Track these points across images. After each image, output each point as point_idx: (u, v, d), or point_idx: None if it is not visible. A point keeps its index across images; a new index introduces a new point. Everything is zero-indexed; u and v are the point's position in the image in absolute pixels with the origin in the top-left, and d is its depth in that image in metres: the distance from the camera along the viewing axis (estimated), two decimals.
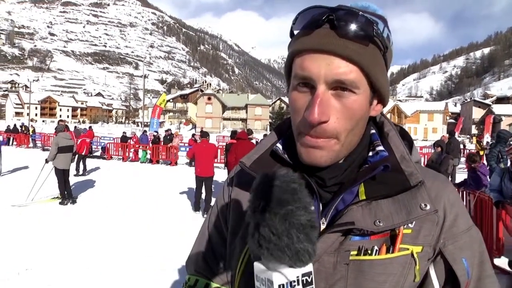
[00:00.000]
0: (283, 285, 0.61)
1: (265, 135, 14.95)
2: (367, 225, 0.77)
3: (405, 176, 0.80)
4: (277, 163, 0.91)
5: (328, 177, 0.83)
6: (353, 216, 0.78)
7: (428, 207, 0.78)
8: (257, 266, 0.66)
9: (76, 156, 12.92)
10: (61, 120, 11.66)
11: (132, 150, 22.56)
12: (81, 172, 15.16)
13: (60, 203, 9.69)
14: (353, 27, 0.73)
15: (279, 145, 0.93)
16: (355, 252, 0.78)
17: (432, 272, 0.81)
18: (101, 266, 5.68)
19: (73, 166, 12.68)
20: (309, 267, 0.64)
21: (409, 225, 0.79)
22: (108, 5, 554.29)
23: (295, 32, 0.81)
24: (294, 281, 0.62)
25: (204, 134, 10.04)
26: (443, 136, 14.44)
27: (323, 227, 0.82)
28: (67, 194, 9.87)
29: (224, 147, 17.98)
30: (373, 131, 0.92)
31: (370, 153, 0.87)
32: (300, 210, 0.62)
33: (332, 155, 0.80)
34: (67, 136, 10.26)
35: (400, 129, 0.95)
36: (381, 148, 0.86)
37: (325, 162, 0.80)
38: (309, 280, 0.64)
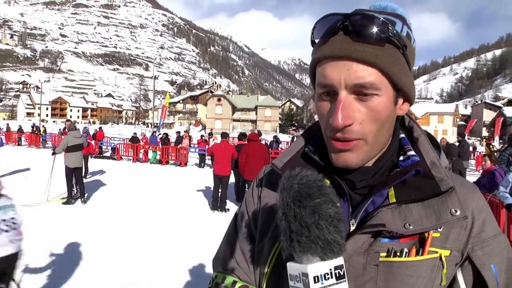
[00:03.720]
0: (317, 277, 0.63)
1: (275, 137, 15.05)
2: (397, 227, 0.79)
3: (436, 182, 0.81)
4: (308, 164, 0.93)
5: (358, 180, 0.85)
6: (383, 218, 0.80)
7: (458, 212, 0.79)
8: (290, 265, 0.68)
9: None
10: (68, 120, 11.68)
11: (142, 151, 22.69)
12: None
13: (65, 203, 9.72)
14: (367, 30, 0.75)
15: (310, 147, 0.95)
16: (385, 254, 0.79)
17: (460, 277, 0.82)
18: (112, 266, 5.72)
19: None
20: (340, 260, 0.66)
21: (438, 229, 0.80)
22: (119, 6, 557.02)
23: (316, 41, 0.83)
24: (328, 274, 0.64)
25: (224, 135, 10.35)
26: (443, 139, 14.31)
27: (353, 228, 0.84)
28: (80, 193, 9.95)
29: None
30: (403, 135, 0.93)
31: (401, 158, 0.88)
32: (327, 203, 0.65)
33: (363, 156, 0.82)
34: (76, 134, 10.31)
35: (427, 134, 0.96)
36: (412, 153, 0.87)
37: (356, 164, 0.82)
38: (342, 273, 0.65)
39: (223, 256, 1.03)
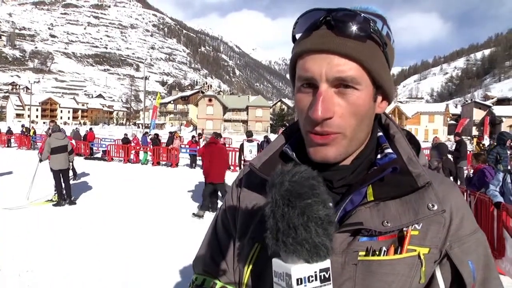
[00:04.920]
0: (301, 279, 0.62)
1: (265, 137, 14.80)
2: (375, 225, 0.79)
3: (413, 177, 0.81)
4: (286, 164, 0.83)
5: (336, 179, 0.85)
6: (361, 217, 0.80)
7: (436, 207, 0.79)
8: (276, 262, 0.67)
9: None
10: (52, 121, 11.56)
11: (133, 151, 22.61)
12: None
13: (55, 204, 9.63)
14: (349, 25, 0.75)
15: (288, 146, 0.95)
16: (363, 253, 0.79)
17: (438, 274, 0.82)
18: (103, 267, 5.69)
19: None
20: (327, 263, 0.64)
21: (417, 226, 0.80)
22: (109, 7, 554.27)
23: (297, 36, 0.84)
24: (312, 276, 0.63)
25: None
26: (436, 137, 14.39)
27: None
28: (66, 195, 9.87)
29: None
30: (380, 133, 0.94)
31: (379, 156, 0.89)
32: (318, 205, 0.63)
33: (341, 151, 0.82)
34: (59, 136, 10.19)
35: (407, 133, 0.97)
36: (389, 150, 0.88)
37: (335, 159, 0.82)
38: (327, 276, 0.64)
39: (203, 258, 1.03)
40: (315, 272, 0.63)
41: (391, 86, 0.86)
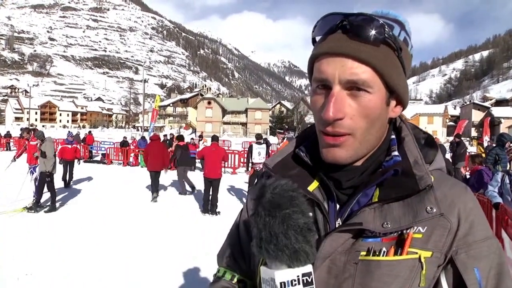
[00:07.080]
0: (284, 283, 0.67)
1: (264, 139, 14.64)
2: (375, 226, 0.80)
3: (416, 180, 0.82)
4: (298, 165, 0.96)
5: (345, 180, 0.88)
6: (364, 218, 0.82)
7: (434, 210, 0.79)
8: (263, 269, 0.73)
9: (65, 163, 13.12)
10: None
11: (132, 154, 22.63)
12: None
13: (29, 210, 9.23)
14: (364, 30, 0.78)
15: (302, 148, 0.97)
16: (365, 253, 0.81)
17: (443, 280, 0.81)
18: (103, 268, 5.69)
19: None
20: (309, 268, 0.69)
21: (420, 229, 0.80)
22: (108, 10, 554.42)
23: (316, 38, 0.87)
24: (295, 280, 0.67)
25: (214, 138, 10.28)
26: (436, 138, 14.43)
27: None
28: (52, 199, 9.65)
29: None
30: (393, 136, 0.95)
31: (386, 158, 0.90)
32: (297, 214, 0.69)
33: (351, 153, 0.84)
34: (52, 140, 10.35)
35: (428, 136, 0.98)
36: (395, 153, 0.89)
37: (345, 160, 0.85)
38: (309, 280, 0.68)
39: (224, 254, 1.09)
40: (298, 276, 0.68)
41: (406, 91, 0.87)
